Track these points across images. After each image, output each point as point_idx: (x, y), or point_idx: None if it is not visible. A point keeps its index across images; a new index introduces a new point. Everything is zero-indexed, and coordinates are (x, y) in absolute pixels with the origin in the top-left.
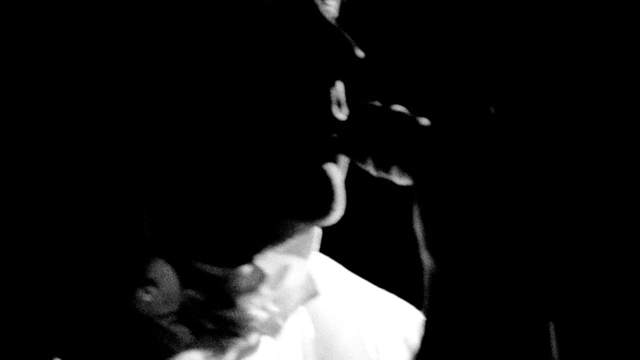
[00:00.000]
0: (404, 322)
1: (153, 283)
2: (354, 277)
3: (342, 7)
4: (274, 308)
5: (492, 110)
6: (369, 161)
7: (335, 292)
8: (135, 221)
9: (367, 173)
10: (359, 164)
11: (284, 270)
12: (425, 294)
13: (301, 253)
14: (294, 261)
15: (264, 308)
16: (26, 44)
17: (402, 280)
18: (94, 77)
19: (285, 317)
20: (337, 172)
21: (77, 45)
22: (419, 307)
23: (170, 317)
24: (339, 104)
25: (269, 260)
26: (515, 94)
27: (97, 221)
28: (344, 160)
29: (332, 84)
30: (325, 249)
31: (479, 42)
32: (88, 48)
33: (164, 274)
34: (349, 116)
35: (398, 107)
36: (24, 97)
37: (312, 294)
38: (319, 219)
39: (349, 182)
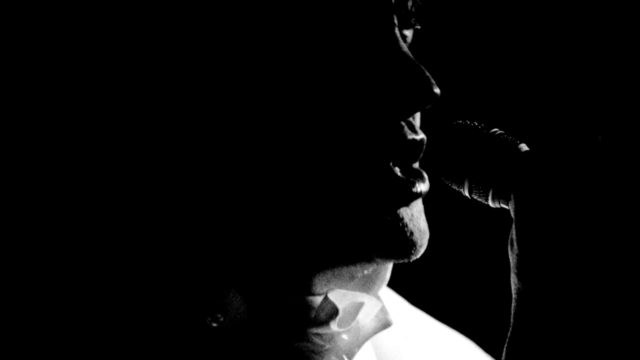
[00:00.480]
0: (463, 357)
1: (222, 311)
2: (416, 310)
3: (417, 34)
4: (345, 338)
5: (600, 138)
6: (465, 183)
7: (398, 326)
8: (208, 249)
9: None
10: (453, 186)
11: (356, 307)
12: (512, 320)
13: (374, 285)
14: (366, 298)
15: (333, 340)
16: (26, 45)
17: (464, 315)
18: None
19: (357, 347)
20: (418, 214)
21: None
22: (478, 342)
23: (237, 345)
24: (414, 130)
25: (341, 295)
26: (624, 122)
27: (171, 249)
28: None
29: (408, 117)
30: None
31: (586, 67)
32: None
33: (233, 302)
34: (446, 135)
35: (497, 130)
36: (25, 98)
37: (385, 325)
38: (399, 259)
39: None
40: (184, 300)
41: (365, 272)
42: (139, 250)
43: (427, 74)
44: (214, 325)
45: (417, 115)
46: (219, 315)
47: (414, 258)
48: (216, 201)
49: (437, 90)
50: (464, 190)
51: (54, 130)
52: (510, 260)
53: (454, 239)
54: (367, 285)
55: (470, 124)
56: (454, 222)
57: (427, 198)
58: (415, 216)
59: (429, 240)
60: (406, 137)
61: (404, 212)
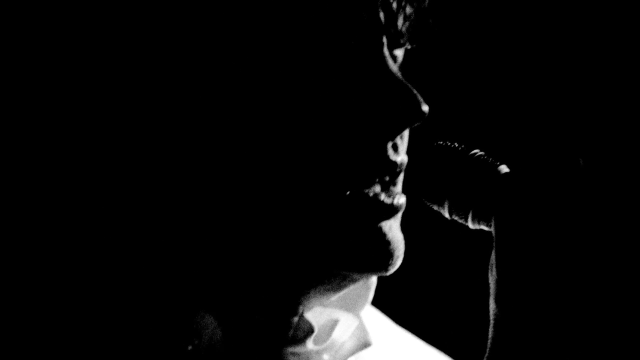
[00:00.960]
0: None
1: (196, 335)
2: (401, 330)
3: (409, 54)
4: (325, 358)
5: (582, 161)
6: (445, 204)
7: (383, 346)
8: (181, 272)
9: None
10: (434, 207)
11: (332, 324)
12: (488, 347)
13: (356, 305)
14: (343, 315)
15: (310, 359)
16: (27, 45)
17: (450, 336)
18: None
19: None
20: (396, 227)
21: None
22: None
23: None
24: (397, 150)
25: (318, 313)
26: (605, 144)
27: (144, 273)
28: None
29: (395, 136)
30: (374, 300)
31: (566, 88)
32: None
33: (206, 326)
34: (427, 156)
35: (478, 151)
36: (26, 99)
37: (364, 344)
38: (377, 272)
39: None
40: (158, 324)
41: (345, 290)
42: (113, 267)
43: (415, 91)
44: (190, 348)
45: (406, 135)
46: (194, 338)
47: (392, 270)
48: (189, 220)
49: (425, 108)
50: (444, 211)
51: (54, 130)
52: (490, 285)
53: (444, 261)
54: (349, 305)
55: (451, 145)
56: (447, 245)
57: (420, 223)
58: (393, 227)
59: (419, 262)
60: (388, 157)
61: (384, 224)
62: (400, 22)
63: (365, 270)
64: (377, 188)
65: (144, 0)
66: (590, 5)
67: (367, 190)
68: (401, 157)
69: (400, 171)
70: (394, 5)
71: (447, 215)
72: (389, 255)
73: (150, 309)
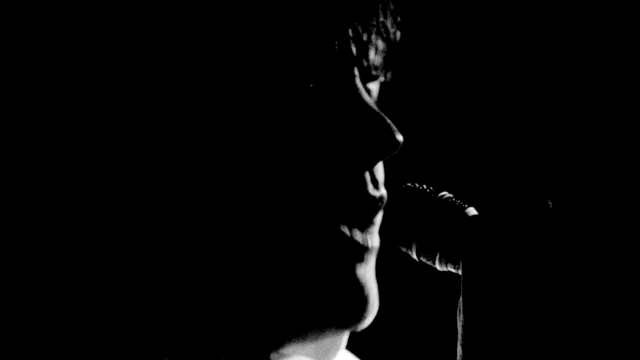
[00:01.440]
0: None
1: None
2: None
3: (384, 88)
4: None
5: (550, 204)
6: (413, 246)
7: None
8: (144, 317)
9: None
10: (402, 248)
11: None
12: None
13: (328, 354)
14: None
15: None
16: (26, 44)
17: None
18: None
19: None
20: (371, 275)
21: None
22: None
23: None
24: (377, 185)
25: None
26: (574, 188)
27: (106, 316)
28: (374, 259)
29: (371, 167)
30: (349, 344)
31: (536, 128)
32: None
33: None
34: (395, 198)
35: (446, 194)
36: (24, 99)
37: None
38: (350, 326)
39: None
40: None
41: (317, 342)
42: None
43: (388, 121)
44: None
45: (381, 168)
46: None
47: (366, 320)
48: (159, 259)
49: (399, 138)
50: (412, 253)
51: (53, 130)
52: (458, 330)
53: (418, 303)
54: (320, 354)
55: (419, 187)
56: (420, 287)
57: (392, 265)
58: (369, 278)
59: (393, 304)
60: (367, 192)
61: (360, 271)
62: (372, 54)
63: (338, 322)
64: (356, 232)
65: (143, 4)
66: (546, 44)
67: (343, 228)
68: (380, 193)
69: (381, 205)
70: (365, 37)
71: (415, 257)
72: (364, 303)
73: (114, 352)
